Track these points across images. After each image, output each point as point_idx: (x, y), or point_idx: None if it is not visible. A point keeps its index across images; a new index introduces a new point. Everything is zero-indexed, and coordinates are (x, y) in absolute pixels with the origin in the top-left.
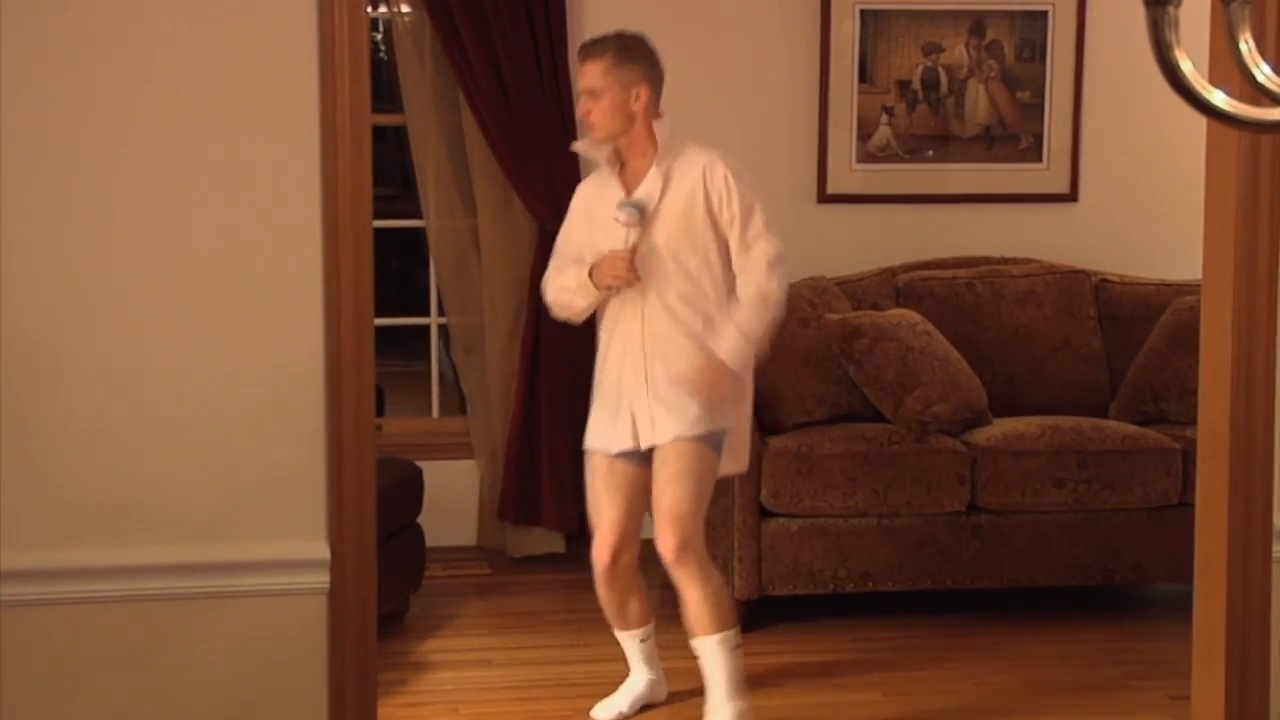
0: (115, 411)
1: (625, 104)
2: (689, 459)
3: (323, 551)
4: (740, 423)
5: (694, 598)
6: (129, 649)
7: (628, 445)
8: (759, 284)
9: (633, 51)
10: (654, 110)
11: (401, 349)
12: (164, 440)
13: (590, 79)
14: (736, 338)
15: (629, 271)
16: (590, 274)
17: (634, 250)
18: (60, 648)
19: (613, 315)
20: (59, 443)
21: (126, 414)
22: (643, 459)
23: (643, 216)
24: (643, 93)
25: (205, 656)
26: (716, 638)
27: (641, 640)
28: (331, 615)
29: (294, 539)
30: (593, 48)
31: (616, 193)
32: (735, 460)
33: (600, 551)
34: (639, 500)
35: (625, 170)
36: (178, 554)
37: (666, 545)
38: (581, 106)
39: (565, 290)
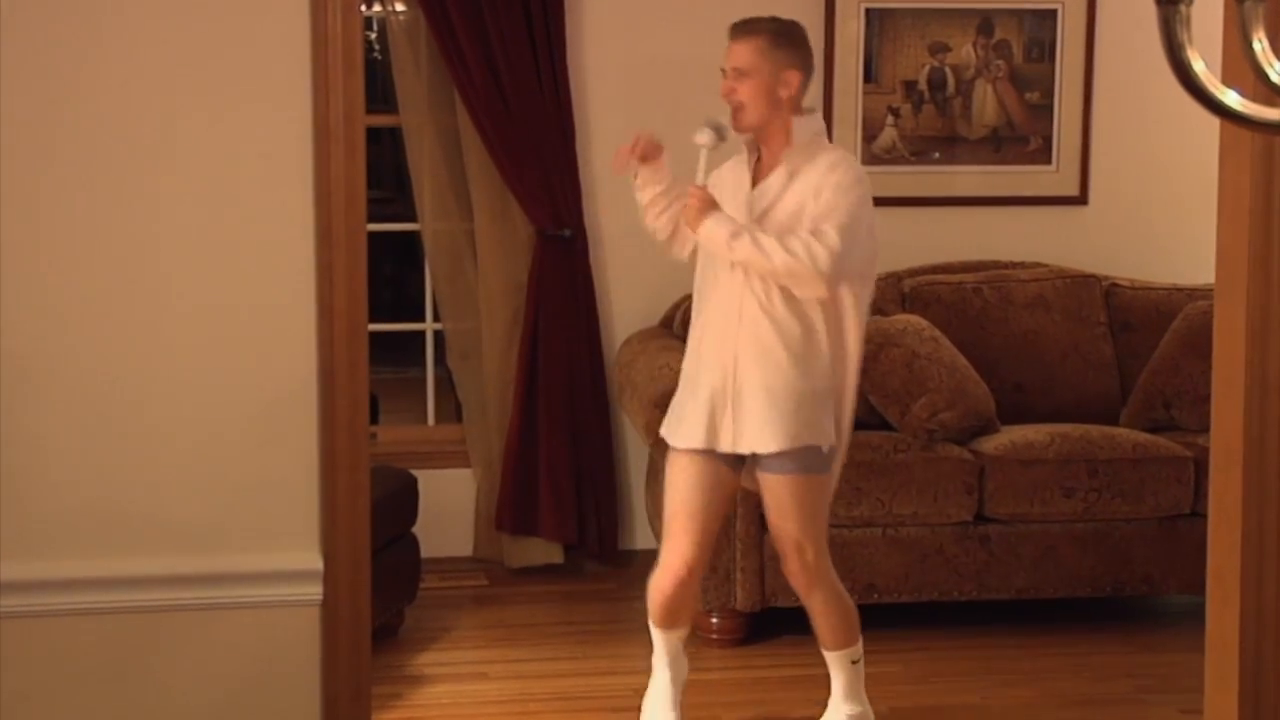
0: (102, 419)
1: (773, 89)
2: (796, 493)
3: (315, 562)
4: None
5: (819, 619)
6: (117, 662)
7: (701, 444)
8: (790, 243)
9: (790, 35)
10: (799, 104)
11: (396, 355)
12: (153, 449)
13: (740, 57)
14: (730, 227)
15: (697, 196)
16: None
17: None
18: (47, 660)
19: (708, 309)
20: (46, 452)
21: (113, 421)
22: (730, 462)
23: (720, 138)
24: (793, 79)
25: (195, 670)
26: (837, 654)
27: (666, 641)
28: (325, 628)
29: (286, 550)
30: (747, 25)
31: (745, 180)
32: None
33: (672, 558)
34: (722, 507)
35: (760, 161)
36: (167, 565)
37: (794, 576)
38: (725, 86)
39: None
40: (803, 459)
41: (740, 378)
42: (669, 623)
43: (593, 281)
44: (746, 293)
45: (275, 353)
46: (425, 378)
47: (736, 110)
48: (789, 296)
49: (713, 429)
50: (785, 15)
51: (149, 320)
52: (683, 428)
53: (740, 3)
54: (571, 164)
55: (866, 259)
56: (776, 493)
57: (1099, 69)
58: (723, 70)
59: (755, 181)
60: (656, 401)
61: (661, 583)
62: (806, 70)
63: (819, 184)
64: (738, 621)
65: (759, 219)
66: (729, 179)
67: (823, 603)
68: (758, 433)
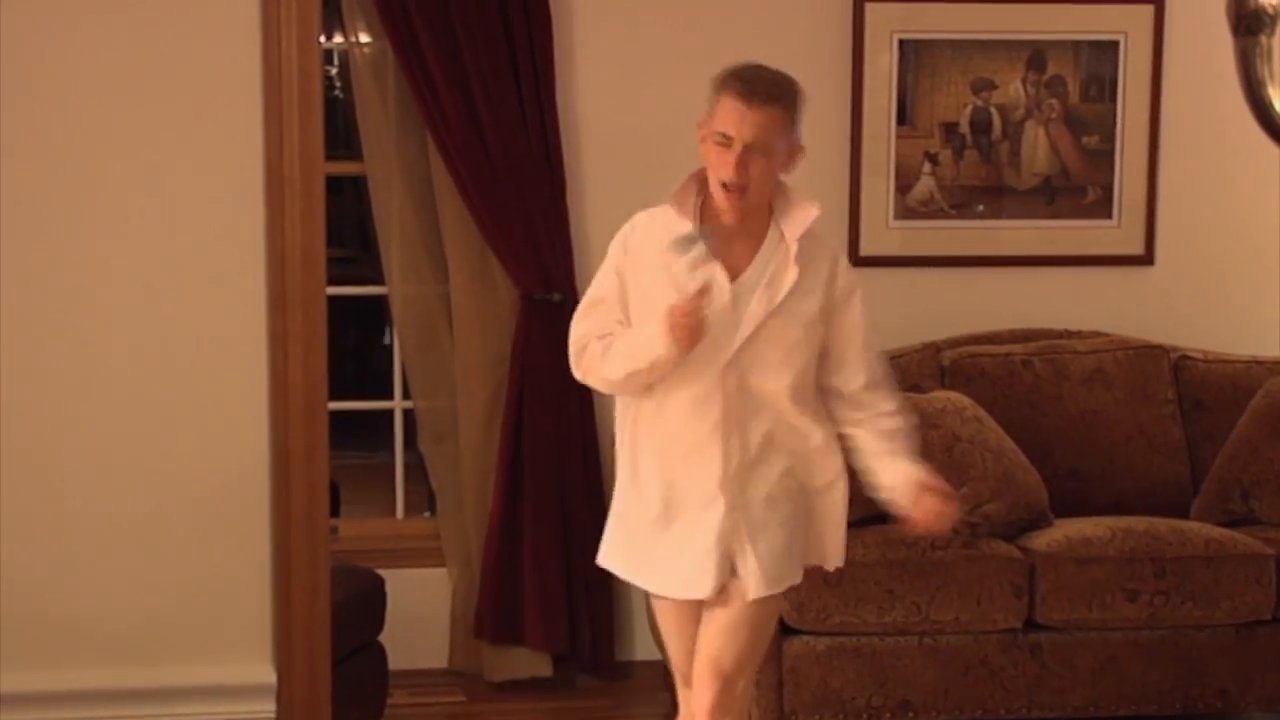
0: (30, 514)
1: (782, 169)
2: (750, 610)
3: (267, 675)
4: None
5: None
6: None
7: (707, 593)
8: (899, 422)
9: (800, 99)
10: None
11: (360, 438)
12: (85, 546)
13: (765, 131)
14: (915, 462)
15: (692, 320)
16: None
17: (702, 295)
18: None
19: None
20: None
21: (42, 517)
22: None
23: (687, 248)
24: (799, 157)
25: None
26: None
27: None
28: None
29: (234, 661)
30: (767, 88)
31: (713, 268)
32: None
33: (693, 709)
34: None
35: (717, 224)
36: (102, 679)
37: (701, 700)
38: (735, 163)
39: (629, 353)
40: None
41: (749, 513)
42: None
43: None
44: (746, 418)
45: (222, 435)
46: (393, 463)
47: (736, 191)
48: (791, 422)
49: (717, 572)
50: (805, 49)
51: (79, 401)
52: (678, 573)
53: (755, 34)
54: (561, 218)
55: None
56: (725, 606)
57: (1167, 109)
58: (725, 137)
59: (735, 272)
60: None
61: None
62: None
63: (831, 301)
64: None
65: (765, 322)
66: (658, 260)
67: None
68: (772, 569)
